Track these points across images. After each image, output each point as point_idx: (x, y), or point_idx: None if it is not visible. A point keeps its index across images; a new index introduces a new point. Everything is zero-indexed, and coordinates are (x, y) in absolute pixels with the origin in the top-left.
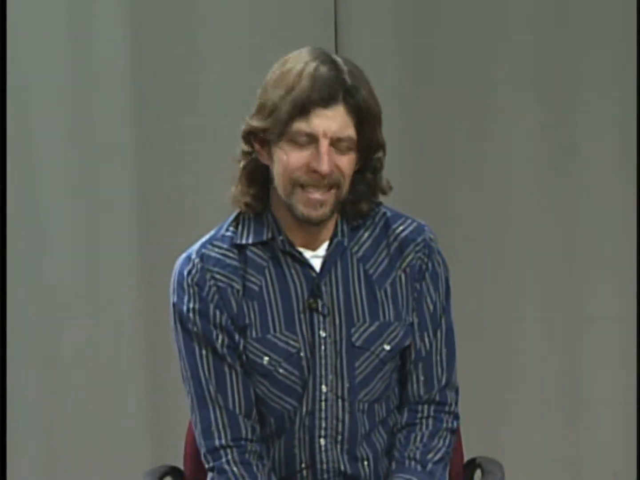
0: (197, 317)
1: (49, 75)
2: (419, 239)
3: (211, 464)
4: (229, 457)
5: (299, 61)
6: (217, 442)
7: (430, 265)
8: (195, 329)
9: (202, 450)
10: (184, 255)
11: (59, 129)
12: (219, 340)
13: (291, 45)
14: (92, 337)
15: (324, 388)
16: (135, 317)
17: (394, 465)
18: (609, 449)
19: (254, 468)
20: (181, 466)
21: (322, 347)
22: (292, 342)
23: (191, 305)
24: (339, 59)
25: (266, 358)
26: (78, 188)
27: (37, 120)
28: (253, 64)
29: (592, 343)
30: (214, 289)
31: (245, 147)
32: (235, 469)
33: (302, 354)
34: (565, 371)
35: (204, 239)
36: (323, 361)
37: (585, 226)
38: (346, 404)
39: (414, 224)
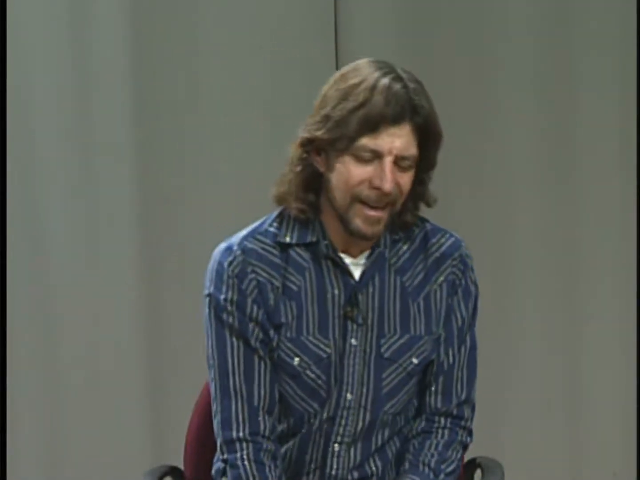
0: (234, 309)
1: (49, 75)
2: (456, 254)
3: (225, 456)
4: (244, 452)
5: (368, 75)
6: (234, 434)
7: (463, 281)
8: (230, 319)
9: (219, 440)
10: (223, 245)
11: (59, 129)
12: (254, 334)
13: (291, 45)
14: (92, 337)
15: (349, 396)
16: (135, 317)
17: (407, 465)
18: (609, 449)
19: (267, 469)
20: (181, 466)
21: (352, 356)
22: (323, 347)
23: (229, 297)
24: (404, 75)
25: (297, 359)
26: (78, 188)
27: (37, 120)
28: (253, 64)
29: (592, 343)
30: (253, 282)
31: (303, 154)
32: (248, 466)
33: (332, 359)
34: (565, 371)
35: (245, 232)
36: (351, 369)
37: (585, 226)
38: (367, 413)
39: (452, 239)
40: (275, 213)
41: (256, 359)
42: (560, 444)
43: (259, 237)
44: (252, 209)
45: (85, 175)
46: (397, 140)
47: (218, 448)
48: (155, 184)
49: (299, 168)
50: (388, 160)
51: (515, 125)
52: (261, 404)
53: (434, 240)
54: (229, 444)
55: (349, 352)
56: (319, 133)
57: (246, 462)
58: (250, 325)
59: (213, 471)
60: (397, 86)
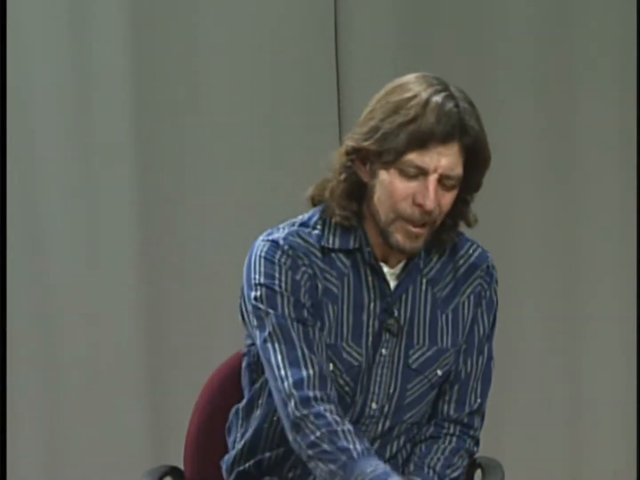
0: (290, 294)
1: (49, 75)
2: (484, 266)
3: (305, 412)
4: (326, 407)
5: (421, 90)
6: (311, 393)
7: (488, 293)
8: (286, 301)
9: (292, 402)
10: (265, 239)
11: (59, 129)
12: (308, 318)
13: (291, 45)
14: (92, 337)
15: (374, 405)
16: (135, 317)
17: (412, 468)
18: (609, 449)
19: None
20: (181, 466)
21: (381, 365)
22: (355, 355)
23: (283, 282)
24: (457, 93)
25: (332, 365)
26: (78, 188)
27: (37, 120)
28: (253, 64)
29: (592, 343)
30: (306, 275)
31: (347, 162)
32: (334, 417)
33: (362, 367)
34: (565, 371)
35: (288, 228)
36: (378, 379)
37: (585, 226)
38: (387, 422)
39: (479, 250)
40: (316, 214)
41: (314, 337)
42: (560, 444)
43: (304, 236)
44: (252, 209)
45: (85, 175)
46: (444, 159)
47: (292, 409)
48: (155, 184)
49: (343, 176)
50: (433, 178)
51: (515, 125)
52: (327, 372)
53: (462, 251)
54: (307, 401)
55: (378, 361)
56: (366, 143)
57: (329, 414)
58: (305, 311)
59: (226, 465)
60: (450, 105)
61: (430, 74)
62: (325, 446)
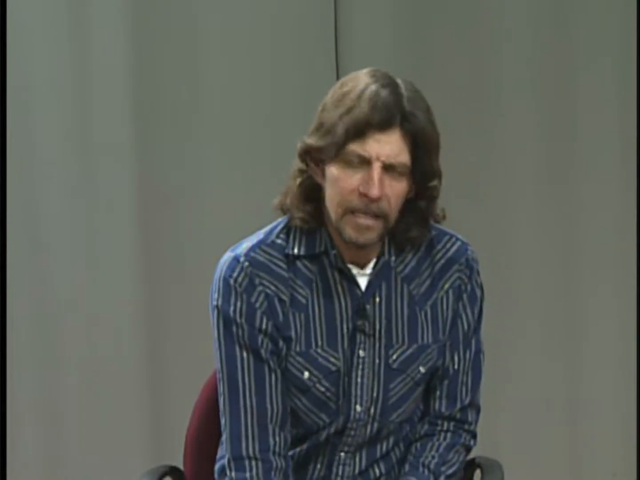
0: (244, 321)
1: (49, 75)
2: (462, 260)
3: (233, 474)
4: (253, 472)
5: (360, 82)
6: (244, 451)
7: (469, 286)
8: (240, 332)
9: (227, 455)
10: (229, 255)
11: (59, 129)
12: (264, 346)
13: (291, 45)
14: (92, 337)
15: (358, 408)
16: (135, 316)
17: (407, 468)
18: (609, 449)
19: None
20: (181, 466)
21: (360, 367)
22: (332, 360)
23: (238, 309)
24: (400, 83)
25: (307, 373)
26: (78, 188)
27: (37, 120)
28: (253, 64)
29: (592, 343)
30: (262, 295)
31: (301, 165)
32: None
33: (341, 371)
34: (565, 371)
35: (251, 242)
36: (359, 380)
37: (585, 226)
38: (375, 423)
39: (458, 244)
40: (281, 224)
41: (267, 371)
42: (560, 444)
43: (266, 248)
44: (252, 209)
45: (85, 175)
46: (386, 146)
47: (226, 463)
48: (155, 184)
49: (298, 180)
50: (376, 166)
51: (515, 125)
52: (273, 418)
53: (439, 246)
54: (238, 460)
55: (357, 363)
56: (310, 141)
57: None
58: (260, 337)
59: (216, 471)
60: (385, 92)
61: (381, 70)
62: None
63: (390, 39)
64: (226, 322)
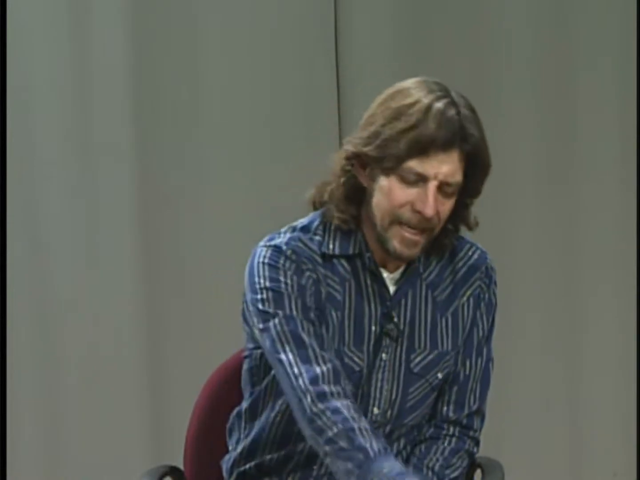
0: (296, 295)
1: (49, 75)
2: (483, 268)
3: (322, 407)
4: (343, 402)
5: (422, 97)
6: (327, 389)
7: (487, 295)
8: (293, 304)
9: (308, 398)
10: (267, 244)
11: (59, 129)
12: (315, 318)
13: (291, 45)
14: (92, 337)
15: (375, 410)
16: (135, 316)
17: (410, 469)
18: (609, 449)
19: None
20: (181, 466)
21: (381, 370)
22: (357, 360)
23: (289, 286)
24: (458, 100)
25: None
26: (78, 188)
27: (37, 120)
28: (253, 64)
29: (592, 343)
30: (311, 279)
31: (347, 166)
32: (351, 413)
33: (363, 373)
34: (565, 371)
35: (289, 233)
36: (379, 384)
37: (585, 226)
38: (389, 426)
39: (478, 252)
40: (317, 219)
41: (324, 336)
42: (560, 444)
43: (306, 241)
44: (252, 209)
45: (85, 175)
46: (445, 166)
47: (308, 401)
48: (155, 184)
49: (342, 179)
50: (432, 185)
51: (515, 125)
52: (341, 370)
53: (461, 254)
54: (322, 396)
55: (378, 366)
56: (366, 149)
57: (352, 411)
58: (312, 312)
59: (227, 466)
60: (451, 112)
61: (431, 79)
62: (343, 444)
63: (390, 39)
64: (278, 296)
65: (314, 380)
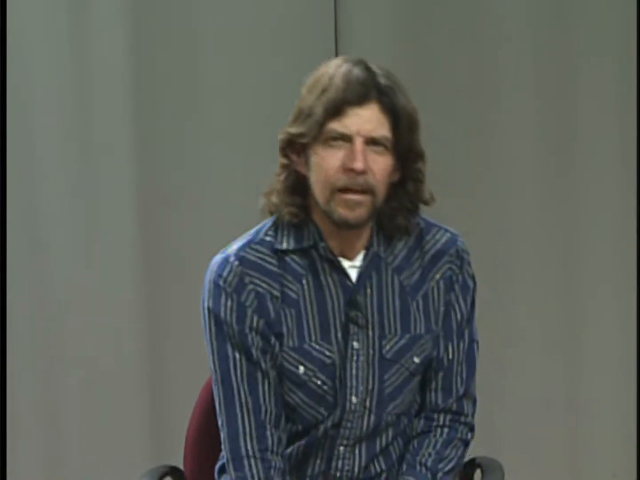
0: (234, 321)
1: (49, 75)
2: (452, 250)
3: (233, 474)
4: (254, 471)
5: (331, 66)
6: (243, 450)
7: (461, 277)
8: (231, 332)
9: (227, 455)
10: (219, 256)
11: (59, 129)
12: (255, 345)
13: (291, 45)
14: (92, 337)
15: (354, 399)
16: (135, 317)
17: (404, 467)
18: (609, 449)
19: None
20: (181, 466)
21: (354, 358)
22: (327, 352)
23: (228, 309)
24: (373, 65)
25: (302, 367)
26: (78, 188)
27: (37, 120)
28: (253, 64)
29: (591, 343)
30: (253, 293)
31: (283, 160)
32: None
33: (335, 364)
34: (565, 371)
35: (241, 242)
36: (354, 372)
37: (584, 226)
38: (372, 415)
39: (447, 235)
40: (269, 222)
41: (259, 373)
42: (560, 444)
43: (255, 246)
44: (252, 209)
45: (85, 175)
46: (364, 121)
47: (225, 463)
48: (155, 184)
49: (283, 176)
50: (358, 141)
51: (515, 125)
52: (268, 417)
53: (428, 237)
54: (237, 460)
55: (351, 355)
56: (292, 129)
57: (260, 474)
58: (250, 336)
59: (216, 470)
60: (357, 70)
61: (349, 56)
62: None
63: (390, 39)
64: (217, 323)
65: (233, 438)
